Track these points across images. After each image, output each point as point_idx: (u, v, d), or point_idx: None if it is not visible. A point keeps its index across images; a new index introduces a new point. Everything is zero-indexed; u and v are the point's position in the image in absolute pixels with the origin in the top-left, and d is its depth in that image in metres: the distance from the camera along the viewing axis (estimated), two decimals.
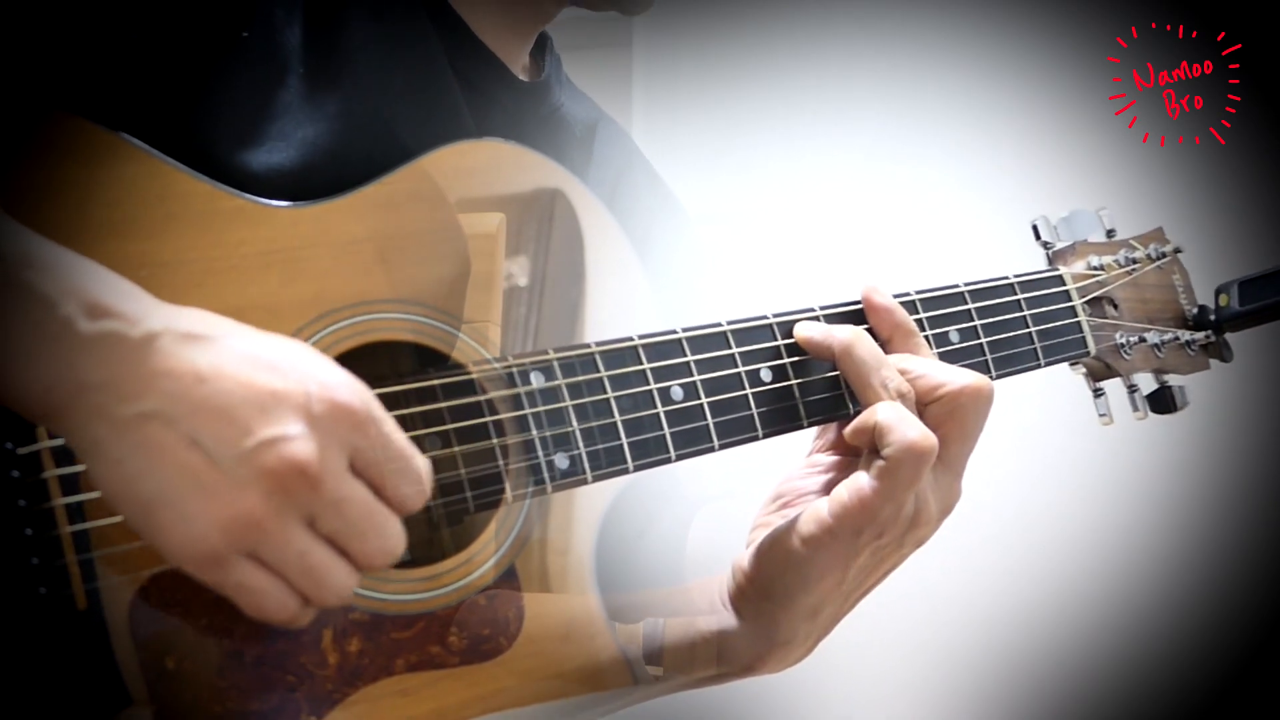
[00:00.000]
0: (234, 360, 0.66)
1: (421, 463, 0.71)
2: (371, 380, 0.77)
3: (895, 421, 0.85)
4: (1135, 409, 1.15)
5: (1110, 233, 1.17)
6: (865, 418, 0.87)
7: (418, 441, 0.79)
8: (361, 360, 0.80)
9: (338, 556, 0.68)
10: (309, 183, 0.85)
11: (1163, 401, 1.15)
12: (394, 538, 0.70)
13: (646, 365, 0.87)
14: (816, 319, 0.94)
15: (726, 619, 0.93)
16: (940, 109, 2.26)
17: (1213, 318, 1.18)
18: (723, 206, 2.20)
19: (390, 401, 0.81)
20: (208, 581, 0.67)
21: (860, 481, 0.86)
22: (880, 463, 0.85)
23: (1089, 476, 2.08)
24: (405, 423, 0.83)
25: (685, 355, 0.88)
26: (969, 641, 2.04)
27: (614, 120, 1.19)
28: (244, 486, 0.64)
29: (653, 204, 1.17)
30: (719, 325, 0.90)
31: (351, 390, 0.69)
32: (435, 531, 0.85)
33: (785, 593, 0.89)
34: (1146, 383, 1.17)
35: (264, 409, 0.65)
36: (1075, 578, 2.11)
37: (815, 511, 0.87)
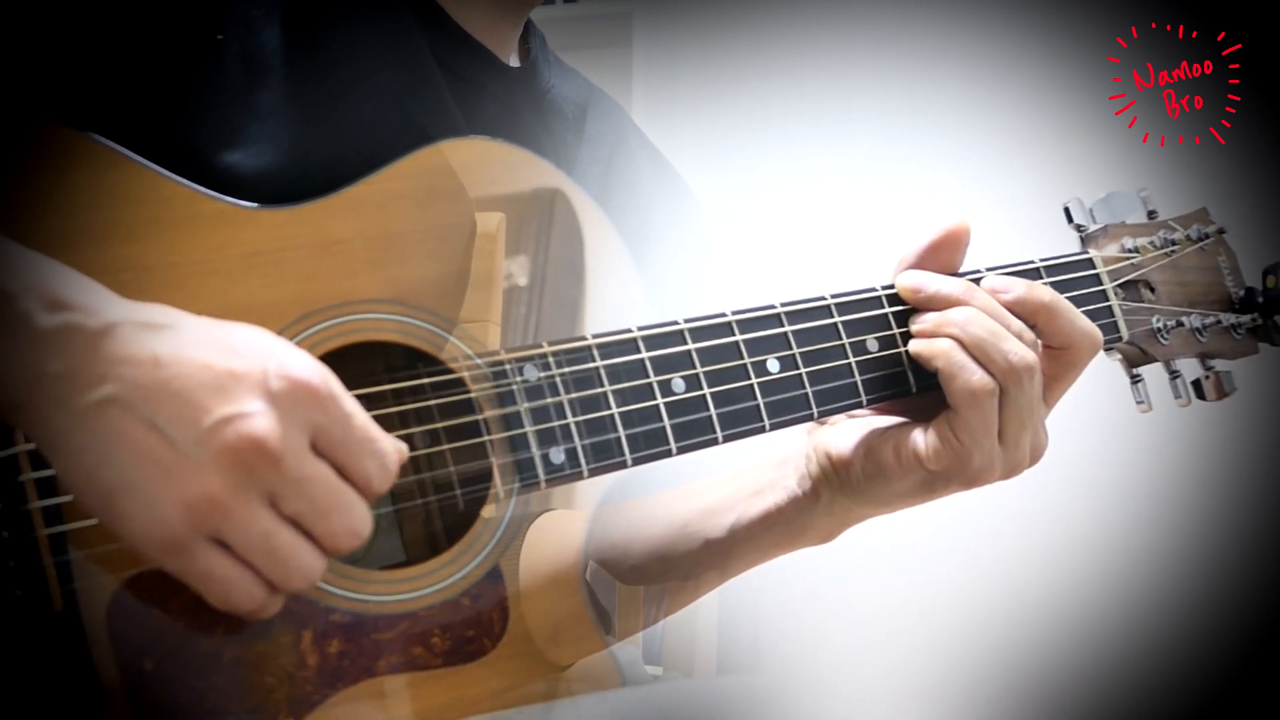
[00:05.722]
0: (192, 345, 0.66)
1: (387, 442, 0.70)
2: (358, 379, 0.76)
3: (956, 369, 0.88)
4: (1177, 395, 1.10)
5: (1152, 214, 1.12)
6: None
7: (408, 439, 0.79)
8: (347, 361, 0.80)
9: (303, 539, 0.67)
10: (297, 183, 0.85)
11: (1207, 387, 1.10)
12: (360, 518, 0.68)
13: (645, 355, 0.85)
14: (877, 299, 0.94)
15: (806, 500, 0.96)
16: (940, 107, 2.26)
17: (1261, 300, 1.12)
18: (723, 206, 2.20)
19: (378, 399, 0.81)
20: (173, 570, 0.66)
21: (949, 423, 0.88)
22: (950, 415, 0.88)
23: (1092, 475, 2.07)
24: (394, 420, 0.83)
25: (687, 344, 0.86)
26: (969, 641, 2.03)
27: (607, 95, 1.17)
28: (204, 466, 0.64)
29: (650, 178, 1.15)
30: (724, 315, 0.88)
31: (310, 368, 0.68)
32: (425, 529, 0.85)
33: (889, 488, 0.92)
34: (1190, 370, 1.11)
35: (222, 388, 0.65)
36: (1076, 577, 2.09)
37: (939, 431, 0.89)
